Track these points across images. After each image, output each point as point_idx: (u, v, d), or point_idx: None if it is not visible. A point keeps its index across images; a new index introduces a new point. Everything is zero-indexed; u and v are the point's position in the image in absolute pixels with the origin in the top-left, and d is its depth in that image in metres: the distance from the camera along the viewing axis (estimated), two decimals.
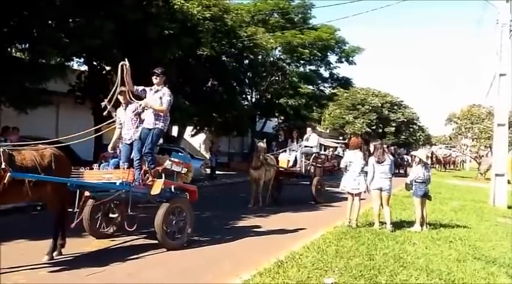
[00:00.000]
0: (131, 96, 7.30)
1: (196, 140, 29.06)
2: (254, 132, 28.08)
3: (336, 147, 47.60)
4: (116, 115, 7.71)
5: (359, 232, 8.81)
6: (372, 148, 9.72)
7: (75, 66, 17.34)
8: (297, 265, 6.24)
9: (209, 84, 21.38)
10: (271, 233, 9.36)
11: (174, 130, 24.45)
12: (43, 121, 15.81)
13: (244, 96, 26.64)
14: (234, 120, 22.41)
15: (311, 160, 14.31)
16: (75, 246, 7.02)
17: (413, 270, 6.22)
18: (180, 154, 8.61)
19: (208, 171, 21.55)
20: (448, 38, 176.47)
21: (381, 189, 9.41)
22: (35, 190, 5.94)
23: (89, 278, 5.73)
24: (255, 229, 9.63)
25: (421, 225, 9.51)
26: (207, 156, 25.49)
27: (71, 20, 11.52)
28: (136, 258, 6.75)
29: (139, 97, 7.43)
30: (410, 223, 9.92)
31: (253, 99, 28.27)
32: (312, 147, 14.50)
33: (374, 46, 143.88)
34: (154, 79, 7.48)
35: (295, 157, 14.09)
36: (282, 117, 30.43)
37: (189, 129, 25.26)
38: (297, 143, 14.49)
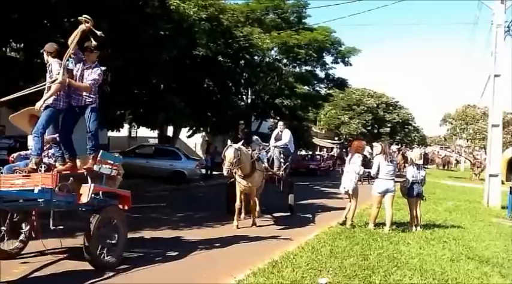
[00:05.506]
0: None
1: (192, 140, 29.03)
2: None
3: (332, 148, 47.76)
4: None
5: (353, 232, 8.84)
6: (379, 149, 9.70)
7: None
8: (291, 265, 6.25)
9: (205, 84, 21.36)
10: (265, 233, 9.36)
11: (170, 131, 24.43)
12: None
13: (240, 96, 26.63)
14: (229, 120, 22.42)
15: (289, 161, 11.92)
16: None
17: (408, 270, 6.24)
18: (109, 153, 7.10)
19: (203, 171, 21.55)
20: (443, 38, 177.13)
21: (386, 191, 9.22)
22: None
23: None
24: (249, 230, 9.62)
25: (415, 226, 9.55)
26: (202, 156, 25.45)
27: (65, 20, 11.49)
28: None
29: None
30: (405, 224, 9.97)
31: (249, 100, 28.28)
32: (287, 145, 11.83)
33: (370, 47, 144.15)
34: (87, 55, 6.38)
35: (270, 158, 11.53)
36: (278, 118, 30.48)
37: (185, 130, 25.21)
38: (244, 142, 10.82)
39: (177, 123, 21.89)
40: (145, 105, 17.72)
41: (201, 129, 25.18)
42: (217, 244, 8.03)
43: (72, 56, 6.23)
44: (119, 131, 19.99)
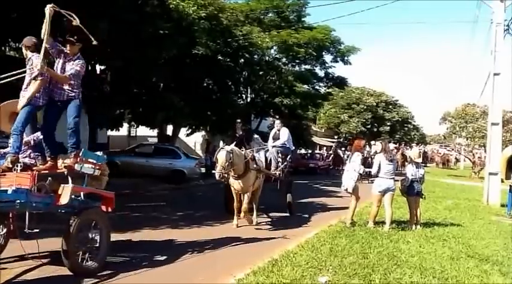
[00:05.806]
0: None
1: (191, 139, 29.03)
2: None
3: (331, 146, 47.74)
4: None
5: (353, 231, 8.84)
6: (379, 147, 9.69)
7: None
8: (291, 264, 6.25)
9: (204, 83, 21.35)
10: (265, 232, 9.37)
11: (169, 130, 24.42)
12: None
13: (239, 95, 26.62)
14: (229, 119, 22.41)
15: (288, 160, 11.53)
16: None
17: (407, 268, 6.24)
18: (92, 151, 6.54)
19: (203, 170, 21.55)
20: (443, 37, 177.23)
21: (387, 190, 9.22)
22: None
23: None
24: (249, 229, 9.61)
25: (415, 224, 9.56)
26: (202, 155, 25.45)
27: (65, 19, 11.47)
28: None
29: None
30: (405, 222, 9.98)
31: (249, 98, 28.25)
32: (285, 144, 11.48)
33: (369, 45, 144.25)
34: (68, 48, 6.15)
35: (267, 158, 11.12)
36: (277, 116, 30.46)
37: (185, 129, 25.21)
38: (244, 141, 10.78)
39: (177, 122, 21.89)
40: (145, 104, 17.72)
41: (201, 128, 25.19)
42: (217, 243, 8.00)
43: (48, 47, 5.89)
44: (119, 130, 20.00)
